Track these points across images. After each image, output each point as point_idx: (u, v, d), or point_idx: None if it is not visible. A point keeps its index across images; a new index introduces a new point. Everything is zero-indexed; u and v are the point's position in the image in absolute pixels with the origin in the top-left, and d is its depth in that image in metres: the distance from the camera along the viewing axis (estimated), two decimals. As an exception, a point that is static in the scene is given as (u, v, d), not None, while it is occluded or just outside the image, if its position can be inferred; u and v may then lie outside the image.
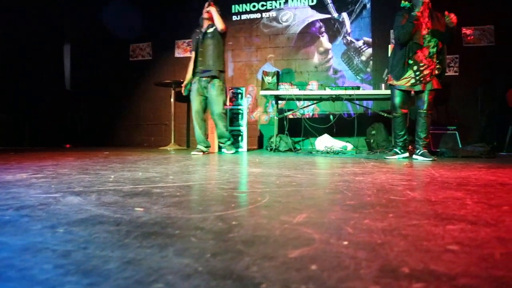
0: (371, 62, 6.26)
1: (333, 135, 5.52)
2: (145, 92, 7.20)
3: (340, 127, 5.71)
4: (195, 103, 4.38)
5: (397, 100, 3.78)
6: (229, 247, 0.86)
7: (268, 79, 5.02)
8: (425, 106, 3.66)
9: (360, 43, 6.32)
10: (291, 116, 6.29)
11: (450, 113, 6.04)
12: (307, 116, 6.37)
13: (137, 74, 7.27)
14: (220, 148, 4.82)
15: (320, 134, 5.53)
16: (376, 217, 1.15)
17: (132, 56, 7.33)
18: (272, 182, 1.95)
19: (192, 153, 4.40)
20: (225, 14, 6.73)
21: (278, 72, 5.23)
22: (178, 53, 7.03)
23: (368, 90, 4.92)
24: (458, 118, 5.79)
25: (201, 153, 4.37)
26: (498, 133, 5.50)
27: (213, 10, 4.29)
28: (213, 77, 4.31)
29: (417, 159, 3.70)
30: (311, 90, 5.31)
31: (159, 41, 7.20)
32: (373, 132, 5.35)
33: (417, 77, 3.65)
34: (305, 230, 1.00)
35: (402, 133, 3.84)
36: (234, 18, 6.81)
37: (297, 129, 5.59)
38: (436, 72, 3.65)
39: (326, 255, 0.80)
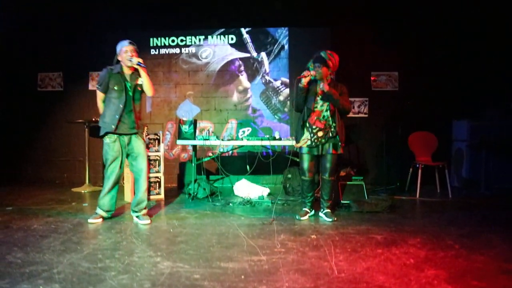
0: (288, 102, 6.49)
1: (252, 172, 5.61)
2: (56, 125, 6.74)
3: (258, 165, 5.83)
4: (116, 164, 3.84)
5: (305, 165, 3.96)
6: None
7: (185, 128, 4.98)
8: (327, 174, 3.91)
9: (278, 83, 6.52)
10: (210, 154, 6.30)
11: (361, 160, 6.49)
12: (227, 154, 6.44)
13: (47, 106, 6.78)
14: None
15: (239, 172, 5.64)
16: None
17: (40, 86, 6.83)
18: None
19: (90, 220, 3.80)
20: (143, 47, 6.59)
21: (195, 120, 5.20)
22: (92, 85, 6.68)
23: (283, 141, 5.06)
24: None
25: (101, 219, 3.86)
26: (401, 174, 5.99)
27: (144, 75, 3.76)
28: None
29: (321, 217, 3.99)
30: (229, 139, 5.33)
31: (71, 71, 6.79)
32: (289, 175, 5.56)
33: (312, 139, 3.86)
34: None
35: (310, 194, 4.04)
36: (152, 52, 6.65)
37: (217, 167, 5.62)
38: (331, 134, 3.84)
39: None
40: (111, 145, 3.81)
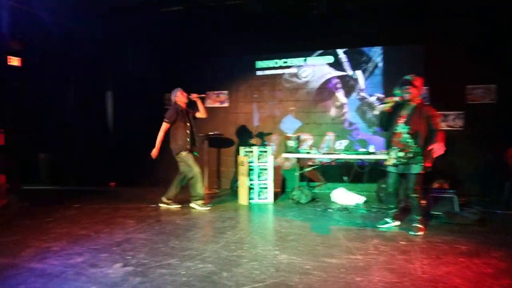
0: (383, 116, 6.96)
1: (349, 180, 6.26)
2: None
3: (354, 174, 6.45)
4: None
5: (390, 180, 4.47)
6: None
7: (290, 143, 5.82)
8: (410, 192, 4.30)
9: (373, 98, 7.04)
10: (310, 163, 7.05)
11: (455, 173, 6.67)
12: (325, 163, 7.12)
13: (172, 120, 8.15)
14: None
15: (336, 179, 6.36)
16: None
17: (166, 104, 8.22)
18: None
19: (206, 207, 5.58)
20: (250, 69, 7.62)
21: (298, 136, 6.01)
22: (208, 103, 7.86)
23: (377, 155, 5.62)
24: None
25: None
26: (498, 187, 6.09)
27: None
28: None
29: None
30: (327, 151, 6.07)
31: (195, 91, 8.04)
32: (383, 185, 6.05)
33: (397, 158, 4.30)
34: None
35: (393, 206, 4.57)
36: (258, 73, 7.63)
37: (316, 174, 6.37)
38: (410, 156, 4.20)
39: None
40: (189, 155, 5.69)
